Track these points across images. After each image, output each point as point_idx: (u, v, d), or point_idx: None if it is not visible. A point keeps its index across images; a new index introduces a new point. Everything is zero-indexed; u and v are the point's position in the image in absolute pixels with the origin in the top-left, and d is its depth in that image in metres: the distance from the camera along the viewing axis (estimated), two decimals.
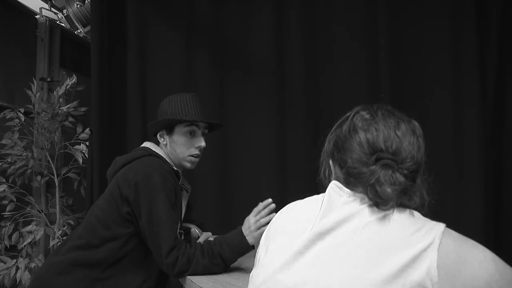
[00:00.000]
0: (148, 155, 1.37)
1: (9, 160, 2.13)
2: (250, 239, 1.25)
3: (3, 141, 2.12)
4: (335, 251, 0.65)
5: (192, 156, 1.42)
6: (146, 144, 1.46)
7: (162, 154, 1.41)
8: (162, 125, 1.42)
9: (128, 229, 1.27)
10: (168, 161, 1.41)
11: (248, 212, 1.49)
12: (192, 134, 1.41)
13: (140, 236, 1.28)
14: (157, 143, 1.46)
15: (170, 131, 1.42)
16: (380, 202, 0.66)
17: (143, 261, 1.30)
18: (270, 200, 1.30)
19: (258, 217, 1.27)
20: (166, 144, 1.43)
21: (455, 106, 2.00)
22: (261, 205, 1.29)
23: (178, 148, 1.41)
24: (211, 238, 1.48)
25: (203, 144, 1.42)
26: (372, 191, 0.66)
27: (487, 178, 1.92)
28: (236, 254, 1.25)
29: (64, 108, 2.23)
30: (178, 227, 1.28)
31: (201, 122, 1.41)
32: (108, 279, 1.24)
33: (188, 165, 1.44)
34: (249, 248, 1.26)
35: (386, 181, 0.66)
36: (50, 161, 2.23)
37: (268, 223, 1.20)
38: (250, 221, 1.27)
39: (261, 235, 1.19)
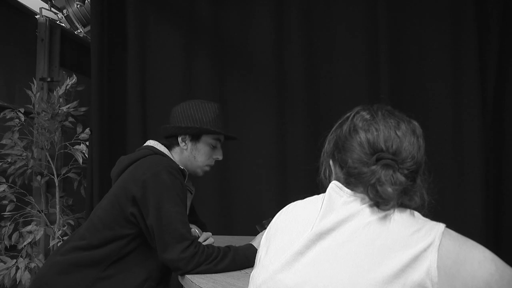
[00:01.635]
0: (153, 154, 1.36)
1: (9, 160, 2.13)
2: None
3: (3, 141, 2.12)
4: (336, 251, 0.65)
5: (208, 166, 1.44)
6: (150, 142, 1.44)
7: (167, 153, 1.40)
8: (192, 131, 1.39)
9: (131, 230, 1.26)
10: (174, 160, 1.40)
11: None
12: (215, 146, 1.43)
13: (142, 237, 1.27)
14: (169, 144, 1.43)
15: (196, 138, 1.40)
16: (381, 202, 0.66)
17: (145, 260, 1.29)
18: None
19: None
20: (187, 149, 1.41)
21: (455, 106, 2.00)
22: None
23: (199, 156, 1.41)
24: (211, 239, 1.48)
25: (221, 157, 1.45)
26: (373, 191, 0.67)
27: (487, 178, 1.93)
28: (247, 263, 1.26)
29: (64, 108, 2.23)
30: (187, 222, 1.26)
31: (229, 136, 1.44)
32: (109, 278, 1.24)
33: (200, 173, 1.45)
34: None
35: (387, 181, 0.66)
36: (50, 161, 2.23)
37: None
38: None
39: None
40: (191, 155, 1.41)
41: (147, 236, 1.26)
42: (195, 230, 1.49)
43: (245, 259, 1.25)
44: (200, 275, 1.21)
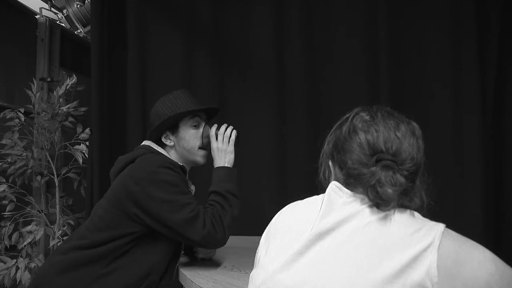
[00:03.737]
0: (150, 152, 1.36)
1: (9, 160, 2.13)
2: (229, 157, 1.37)
3: (3, 141, 2.12)
4: (335, 251, 0.65)
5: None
6: (146, 142, 1.45)
7: (163, 152, 1.40)
8: (166, 126, 1.40)
9: (134, 228, 1.26)
10: (173, 158, 1.41)
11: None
12: (197, 125, 1.41)
13: (145, 233, 1.27)
14: (161, 147, 1.44)
15: (175, 129, 1.40)
16: (381, 203, 0.66)
17: (148, 254, 1.29)
18: (215, 125, 1.42)
19: (219, 137, 1.38)
20: (174, 144, 1.41)
21: (454, 107, 2.00)
22: (212, 130, 1.40)
23: (188, 144, 1.40)
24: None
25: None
26: (373, 192, 0.67)
27: (487, 179, 1.92)
28: (234, 182, 1.36)
29: (64, 108, 2.23)
30: (195, 201, 1.27)
31: (202, 109, 1.41)
32: (111, 273, 1.23)
33: (201, 160, 1.43)
34: (235, 170, 1.39)
35: (387, 182, 0.66)
36: (50, 161, 2.23)
37: (230, 133, 1.38)
38: (218, 146, 1.38)
39: (233, 143, 1.35)
40: (181, 146, 1.41)
41: (159, 230, 1.25)
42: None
43: (232, 185, 1.35)
44: (200, 275, 1.21)
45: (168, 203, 1.21)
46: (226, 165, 1.37)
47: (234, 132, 1.40)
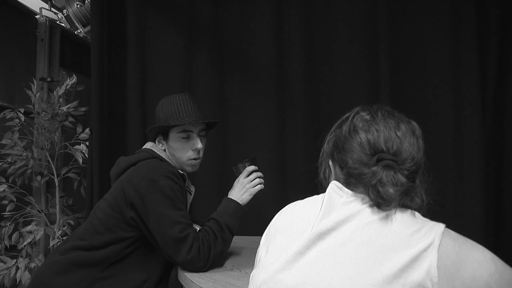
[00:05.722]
0: (152, 157, 1.36)
1: (9, 160, 2.13)
2: (246, 197, 1.35)
3: (3, 141, 2.12)
4: (336, 251, 0.65)
5: (191, 159, 1.40)
6: (148, 145, 1.45)
7: (164, 157, 1.40)
8: (157, 131, 1.41)
9: (132, 233, 1.26)
10: (171, 163, 1.41)
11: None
12: (187, 137, 1.38)
13: (142, 239, 1.28)
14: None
15: (165, 136, 1.41)
16: (382, 203, 0.66)
17: (144, 261, 1.30)
18: (256, 167, 1.43)
19: (252, 176, 1.37)
20: (165, 148, 1.43)
21: (454, 106, 2.00)
22: (252, 167, 1.40)
23: (176, 153, 1.40)
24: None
25: (199, 145, 1.39)
26: (374, 191, 0.67)
27: (487, 179, 1.92)
28: (237, 219, 1.33)
29: (64, 108, 2.23)
30: (187, 221, 1.26)
31: (191, 123, 1.38)
32: (108, 279, 1.24)
33: (189, 169, 1.42)
34: (243, 209, 1.36)
35: (388, 181, 0.66)
36: (50, 161, 2.23)
37: (261, 183, 1.38)
38: (244, 181, 1.37)
39: (256, 191, 1.34)
40: (169, 153, 1.42)
41: (149, 238, 1.26)
42: (196, 229, 1.49)
43: (235, 221, 1.32)
44: (200, 275, 1.21)
45: (160, 215, 1.21)
46: (238, 201, 1.36)
47: (262, 185, 1.40)
